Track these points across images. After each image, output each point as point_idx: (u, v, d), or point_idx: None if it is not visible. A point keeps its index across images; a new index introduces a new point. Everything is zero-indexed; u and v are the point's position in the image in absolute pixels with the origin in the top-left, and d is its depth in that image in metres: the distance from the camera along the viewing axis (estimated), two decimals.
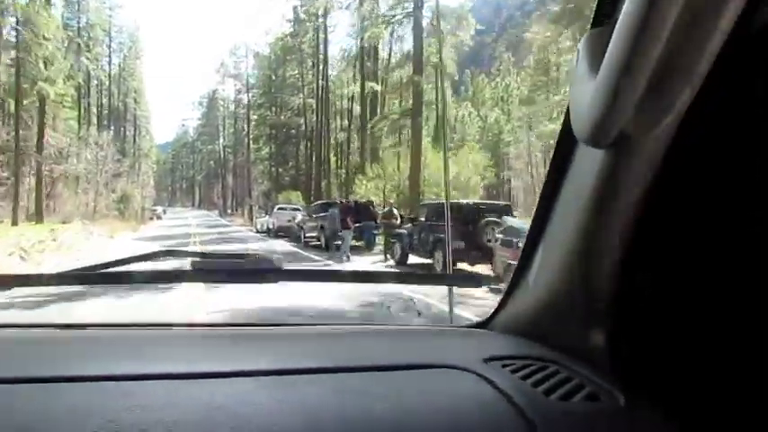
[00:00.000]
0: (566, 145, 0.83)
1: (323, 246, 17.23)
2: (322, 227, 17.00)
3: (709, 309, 0.73)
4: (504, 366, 0.86)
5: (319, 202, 23.46)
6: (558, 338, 0.92)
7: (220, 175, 76.49)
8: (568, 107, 0.72)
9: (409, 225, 13.55)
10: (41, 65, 29.93)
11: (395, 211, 15.73)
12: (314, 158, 40.26)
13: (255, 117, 49.29)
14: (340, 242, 15.04)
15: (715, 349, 0.73)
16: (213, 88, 74.75)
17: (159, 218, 55.52)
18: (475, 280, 1.50)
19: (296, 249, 18.07)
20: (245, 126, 56.00)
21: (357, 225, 14.94)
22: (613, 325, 0.81)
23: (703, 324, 0.74)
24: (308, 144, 41.39)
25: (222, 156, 76.33)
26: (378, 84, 33.65)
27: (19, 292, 1.57)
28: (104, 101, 52.75)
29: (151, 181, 64.74)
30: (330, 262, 13.66)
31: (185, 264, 1.14)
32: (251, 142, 48.88)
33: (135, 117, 60.05)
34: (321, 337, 1.15)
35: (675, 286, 0.75)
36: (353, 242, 15.44)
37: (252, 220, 47.16)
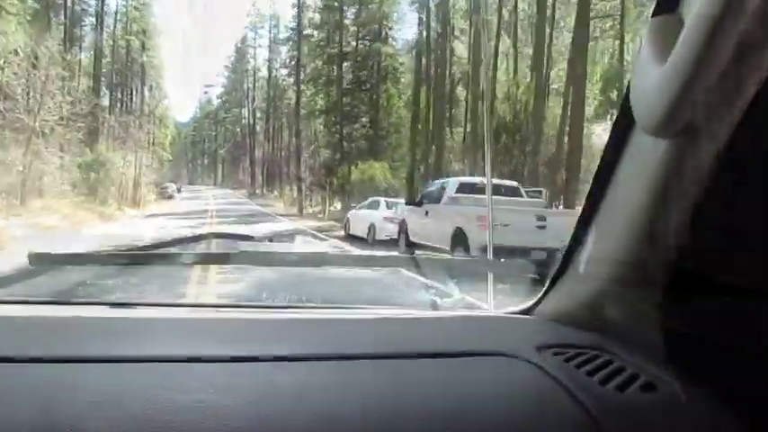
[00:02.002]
0: (623, 129, 0.81)
1: None
2: None
3: None
4: (556, 354, 0.84)
5: None
6: (608, 327, 0.91)
7: (249, 147, 60.80)
8: (628, 93, 0.72)
9: None
10: None
11: None
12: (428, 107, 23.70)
13: (305, 53, 32.78)
14: None
15: None
16: (242, 34, 59.29)
17: (171, 197, 41.49)
18: (517, 266, 1.39)
19: None
20: (287, 72, 40.09)
21: None
22: (668, 313, 0.79)
23: (762, 314, 0.74)
24: (417, 82, 24.90)
25: (251, 122, 60.75)
26: None
27: (68, 270, 1.39)
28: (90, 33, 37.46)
29: (164, 152, 50.22)
30: None
31: (235, 245, 1.18)
32: (301, 86, 32.24)
33: (143, 66, 44.90)
34: (372, 323, 1.15)
35: (733, 276, 0.75)
36: None
37: (299, 204, 31.80)
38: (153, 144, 45.14)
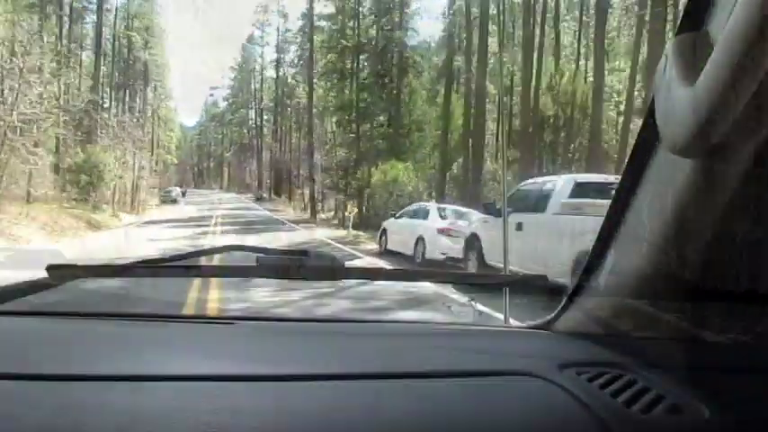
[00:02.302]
0: (647, 146, 0.81)
1: None
2: None
3: None
4: (579, 374, 0.83)
5: None
6: (630, 344, 0.90)
7: (256, 149, 58.57)
8: (651, 110, 0.71)
9: None
10: None
11: None
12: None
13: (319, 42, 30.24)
14: None
15: None
16: (249, 33, 56.97)
17: (174, 202, 39.85)
18: (533, 280, 1.30)
19: None
20: (297, 69, 37.81)
21: None
22: (692, 332, 0.78)
23: None
24: (449, 73, 21.95)
25: (258, 123, 58.48)
26: None
27: (85, 282, 1.35)
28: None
29: (169, 156, 48.59)
30: None
31: (251, 258, 1.20)
32: (313, 80, 29.51)
33: (145, 64, 42.85)
34: (386, 337, 1.14)
35: (760, 294, 0.75)
36: None
37: (312, 209, 29.26)
38: (157, 146, 43.22)
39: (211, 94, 76.75)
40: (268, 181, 54.41)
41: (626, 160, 0.88)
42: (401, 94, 25.51)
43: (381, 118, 26.40)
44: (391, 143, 24.36)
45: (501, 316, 1.56)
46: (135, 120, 30.81)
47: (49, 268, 1.10)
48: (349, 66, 27.65)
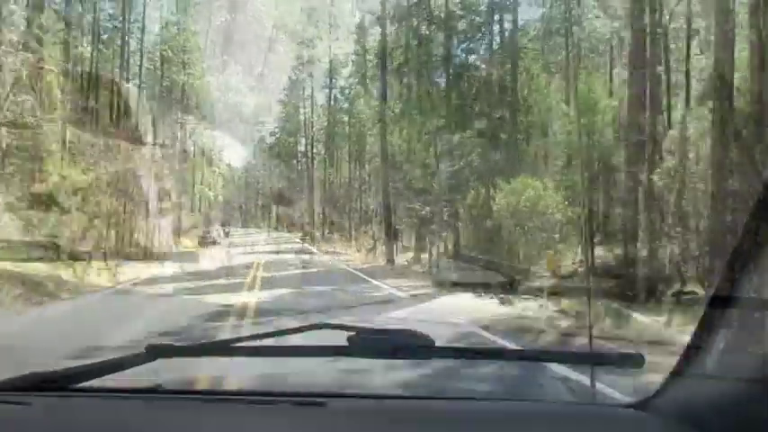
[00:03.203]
0: (763, 218, 0.75)
1: None
2: None
3: None
4: None
5: None
6: None
7: (306, 179, 52.09)
8: None
9: None
10: None
11: None
12: None
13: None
14: None
15: None
16: (298, 54, 51.25)
17: (214, 243, 34.61)
18: (631, 357, 1.15)
19: None
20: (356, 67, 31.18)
21: None
22: None
23: None
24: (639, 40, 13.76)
25: (310, 151, 52.15)
26: None
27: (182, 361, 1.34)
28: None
29: (213, 193, 43.83)
30: None
31: (342, 337, 1.14)
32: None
33: (183, 88, 37.29)
34: (471, 421, 1.08)
35: None
36: None
37: (390, 252, 20.81)
38: (200, 183, 37.98)
39: (258, 130, 71.91)
40: (320, 215, 47.81)
41: (744, 223, 0.78)
42: (516, 83, 17.65)
43: (480, 123, 18.59)
44: (509, 154, 16.50)
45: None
46: (151, 139, 24.36)
47: (148, 348, 1.11)
48: (422, 49, 19.99)
